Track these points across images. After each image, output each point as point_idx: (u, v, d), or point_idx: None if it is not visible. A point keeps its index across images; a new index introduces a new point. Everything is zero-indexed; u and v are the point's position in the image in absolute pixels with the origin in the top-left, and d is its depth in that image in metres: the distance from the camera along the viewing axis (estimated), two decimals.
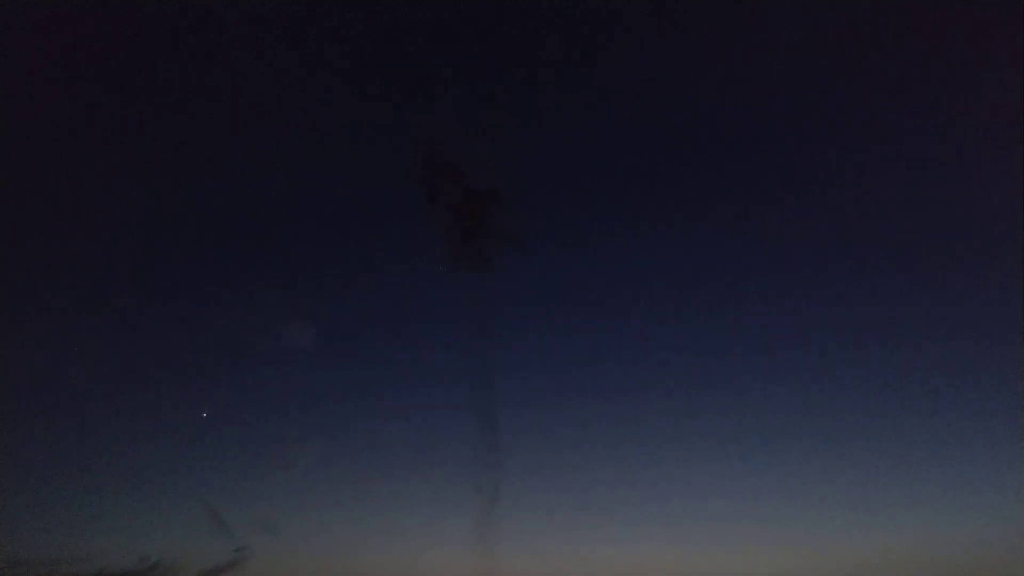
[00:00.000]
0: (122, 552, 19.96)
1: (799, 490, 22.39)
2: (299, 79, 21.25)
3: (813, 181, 23.18)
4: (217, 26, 20.25)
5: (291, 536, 21.63)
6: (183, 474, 22.98)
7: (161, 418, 23.65)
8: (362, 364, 25.40)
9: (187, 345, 24.40)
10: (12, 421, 21.62)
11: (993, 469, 20.46)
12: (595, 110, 22.96)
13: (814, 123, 22.56)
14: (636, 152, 23.89)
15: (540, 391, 25.79)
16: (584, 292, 25.31)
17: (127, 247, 22.92)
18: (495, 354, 22.77)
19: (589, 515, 23.39)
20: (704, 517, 22.71)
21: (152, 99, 21.54)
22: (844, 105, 22.54)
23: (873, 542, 20.81)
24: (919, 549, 19.66)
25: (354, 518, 23.42)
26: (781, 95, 22.60)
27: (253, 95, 21.72)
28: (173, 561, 18.46)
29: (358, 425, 24.79)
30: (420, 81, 22.30)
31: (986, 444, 20.98)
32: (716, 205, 24.71)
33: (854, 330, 23.18)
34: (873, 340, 23.05)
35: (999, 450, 20.25)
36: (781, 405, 23.62)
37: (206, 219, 23.59)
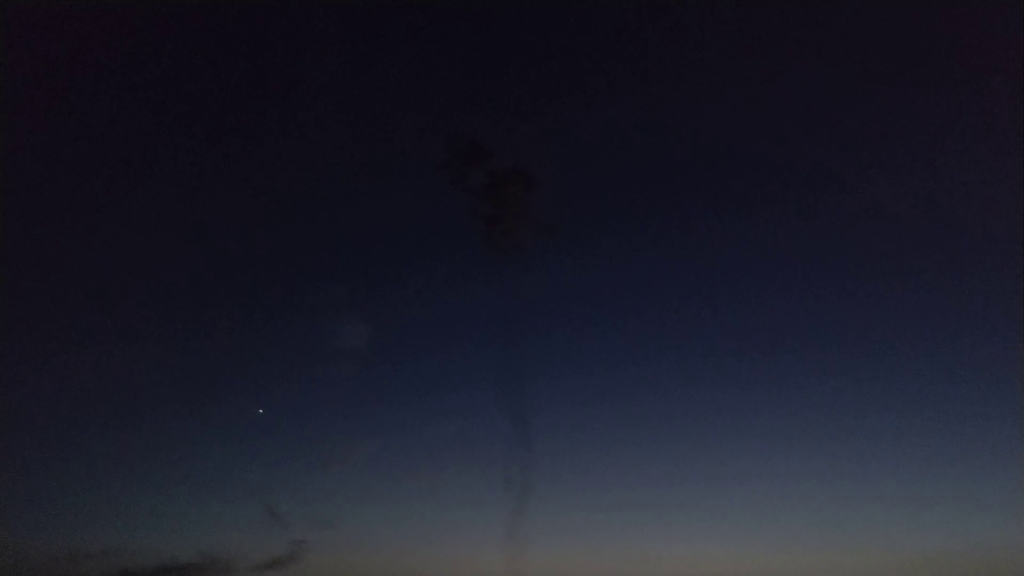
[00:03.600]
0: (182, 546, 20.12)
1: (837, 492, 21.95)
2: (316, 64, 20.83)
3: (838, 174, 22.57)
4: (244, 23, 19.97)
5: (345, 529, 21.72)
6: (241, 470, 23.07)
7: (219, 416, 23.74)
8: (408, 363, 25.31)
9: (246, 346, 24.43)
10: (74, 420, 21.63)
11: (999, 471, 20.53)
12: (638, 92, 21.88)
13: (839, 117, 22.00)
14: (682, 134, 22.56)
15: (572, 388, 25.47)
16: (619, 285, 24.60)
17: (187, 251, 22.84)
18: (529, 352, 22.64)
19: (618, 509, 23.35)
20: (730, 514, 22.55)
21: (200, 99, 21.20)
22: (852, 106, 22.43)
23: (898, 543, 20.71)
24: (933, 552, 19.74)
25: (405, 512, 23.53)
26: (795, 96, 22.33)
27: (279, 88, 21.36)
28: (232, 554, 18.58)
29: (406, 423, 24.89)
30: (444, 57, 21.58)
31: (992, 445, 21.02)
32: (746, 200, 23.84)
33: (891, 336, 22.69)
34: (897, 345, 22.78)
35: (1004, 451, 20.32)
36: (813, 407, 23.27)
37: (256, 222, 23.40)
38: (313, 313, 24.11)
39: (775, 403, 24.07)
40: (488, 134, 20.35)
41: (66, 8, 17.91)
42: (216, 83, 21.29)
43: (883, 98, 21.76)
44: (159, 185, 22.62)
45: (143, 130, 20.93)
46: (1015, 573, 17.50)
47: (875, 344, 23.15)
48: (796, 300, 24.46)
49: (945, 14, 19.48)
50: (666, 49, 21.93)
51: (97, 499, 22.41)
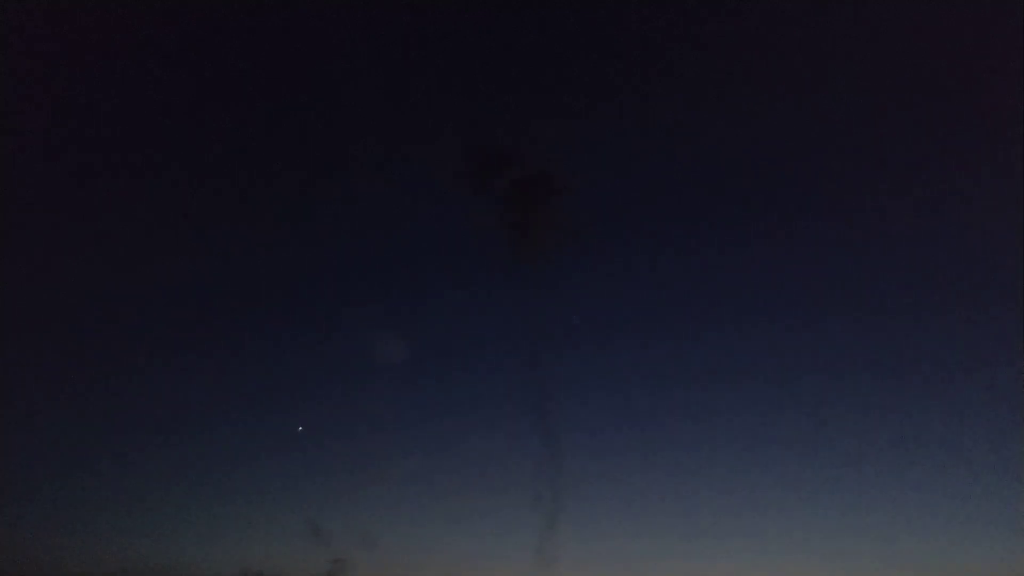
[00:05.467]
0: (223, 563, 20.21)
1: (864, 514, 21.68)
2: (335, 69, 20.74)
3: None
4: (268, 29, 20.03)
5: (385, 547, 21.75)
6: (282, 487, 23.15)
7: (260, 433, 23.81)
8: (447, 379, 25.16)
9: (286, 363, 24.48)
10: (116, 436, 21.81)
11: (998, 480, 20.33)
12: (675, 95, 21.15)
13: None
14: (715, 142, 21.69)
15: (604, 403, 25.04)
16: (650, 296, 23.96)
17: (228, 268, 22.97)
18: (563, 367, 22.37)
19: (650, 527, 23.12)
20: (762, 534, 22.29)
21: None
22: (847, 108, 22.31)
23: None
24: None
25: (443, 529, 23.51)
26: (795, 98, 22.09)
27: (302, 94, 21.38)
28: (273, 571, 18.61)
29: (447, 439, 24.85)
30: (467, 59, 21.23)
31: (991, 453, 20.83)
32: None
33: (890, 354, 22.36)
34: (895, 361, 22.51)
35: (1004, 460, 20.10)
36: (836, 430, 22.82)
37: (296, 241, 23.43)
38: (351, 330, 24.09)
39: (812, 425, 23.50)
40: (511, 139, 20.02)
41: (68, 8, 18.05)
42: (245, 98, 21.40)
43: (881, 102, 21.56)
44: (197, 202, 22.67)
45: (181, 153, 21.10)
46: None
47: (912, 369, 22.62)
48: (833, 322, 23.66)
49: (945, 15, 19.40)
50: (701, 54, 21.59)
51: (138, 516, 22.41)
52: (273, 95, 21.49)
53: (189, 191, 21.87)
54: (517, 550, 21.36)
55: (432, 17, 19.94)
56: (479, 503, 23.55)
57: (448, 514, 23.50)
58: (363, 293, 24.87)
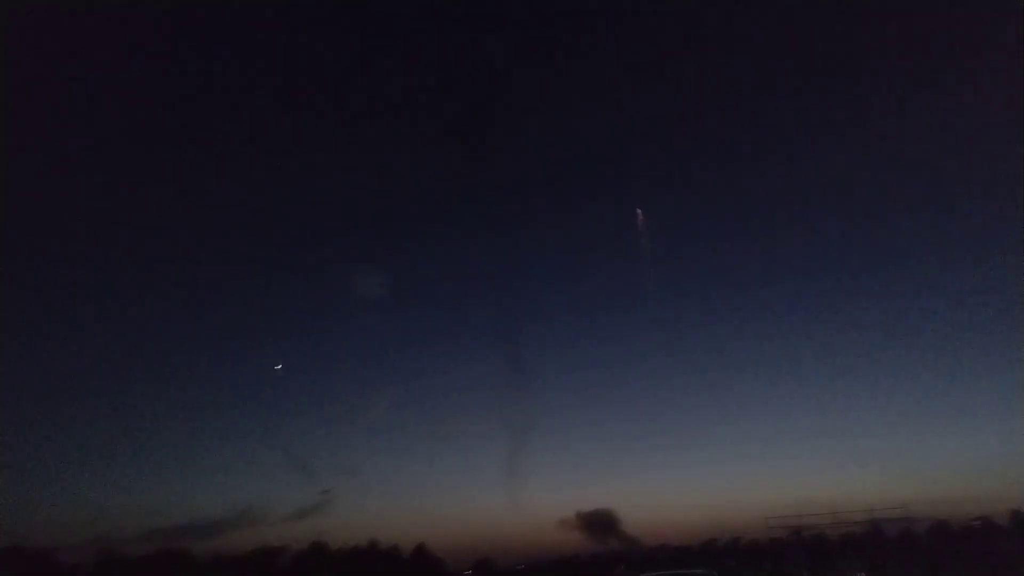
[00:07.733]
0: (212, 502, 20.36)
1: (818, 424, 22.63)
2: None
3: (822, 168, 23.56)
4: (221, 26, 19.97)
5: (368, 476, 22.32)
6: (266, 424, 23.38)
7: (242, 372, 24.14)
8: (424, 312, 26.07)
9: (264, 303, 24.85)
10: (102, 380, 21.82)
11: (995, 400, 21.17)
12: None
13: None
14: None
15: (572, 337, 26.16)
16: (615, 226, 25.30)
17: (209, 209, 23.08)
18: (530, 301, 23.17)
19: (614, 448, 24.36)
20: (721, 446, 23.40)
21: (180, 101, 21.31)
22: (845, 104, 22.49)
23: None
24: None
25: (423, 458, 24.20)
26: (779, 94, 22.48)
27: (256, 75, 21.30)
28: (261, 507, 18.73)
29: (424, 370, 25.69)
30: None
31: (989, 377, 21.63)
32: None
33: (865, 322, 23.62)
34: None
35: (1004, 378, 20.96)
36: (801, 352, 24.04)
37: (273, 180, 23.56)
38: (325, 268, 25.02)
39: (780, 339, 25.43)
40: (464, 60, 21.53)
41: (68, 8, 17.89)
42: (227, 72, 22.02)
43: (881, 101, 21.76)
44: (183, 149, 23.50)
45: (185, 102, 21.70)
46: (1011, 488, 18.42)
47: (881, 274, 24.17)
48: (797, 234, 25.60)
49: (945, 15, 19.51)
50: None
51: (124, 459, 22.80)
52: (273, 75, 21.97)
53: (185, 142, 22.22)
54: (491, 472, 22.24)
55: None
56: (454, 430, 24.44)
57: (425, 441, 24.36)
58: (336, 233, 25.62)
